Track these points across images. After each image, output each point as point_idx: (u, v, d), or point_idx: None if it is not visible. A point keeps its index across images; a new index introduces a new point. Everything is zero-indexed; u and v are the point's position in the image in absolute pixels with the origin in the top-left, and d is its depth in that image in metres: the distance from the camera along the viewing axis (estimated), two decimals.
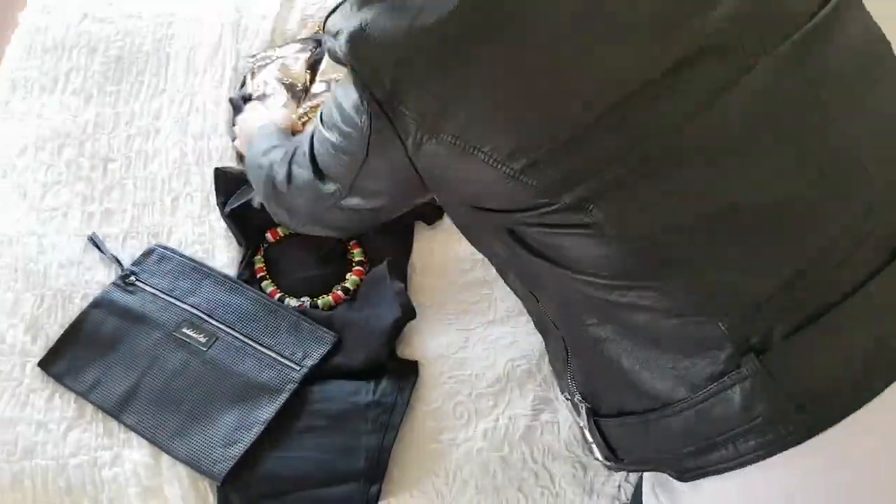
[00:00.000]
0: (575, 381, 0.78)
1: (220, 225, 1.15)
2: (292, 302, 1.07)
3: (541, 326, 0.83)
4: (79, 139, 1.27)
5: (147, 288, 1.08)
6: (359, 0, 0.66)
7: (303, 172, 0.84)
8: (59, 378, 1.01)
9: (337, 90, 0.74)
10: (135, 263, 1.11)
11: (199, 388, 0.98)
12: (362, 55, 0.65)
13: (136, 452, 0.95)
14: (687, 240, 0.62)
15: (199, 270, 1.09)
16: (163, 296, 1.06)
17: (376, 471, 0.92)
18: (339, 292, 1.08)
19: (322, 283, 1.09)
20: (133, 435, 0.96)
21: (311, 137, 0.82)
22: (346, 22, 0.66)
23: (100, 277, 1.11)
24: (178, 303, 1.05)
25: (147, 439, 0.95)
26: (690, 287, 0.63)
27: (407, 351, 1.03)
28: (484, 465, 0.93)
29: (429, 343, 1.03)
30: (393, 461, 0.93)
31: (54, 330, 1.05)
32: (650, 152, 0.60)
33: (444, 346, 1.02)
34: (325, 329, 1.03)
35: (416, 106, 0.64)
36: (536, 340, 1.01)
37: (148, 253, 1.12)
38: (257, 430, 0.94)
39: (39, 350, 1.04)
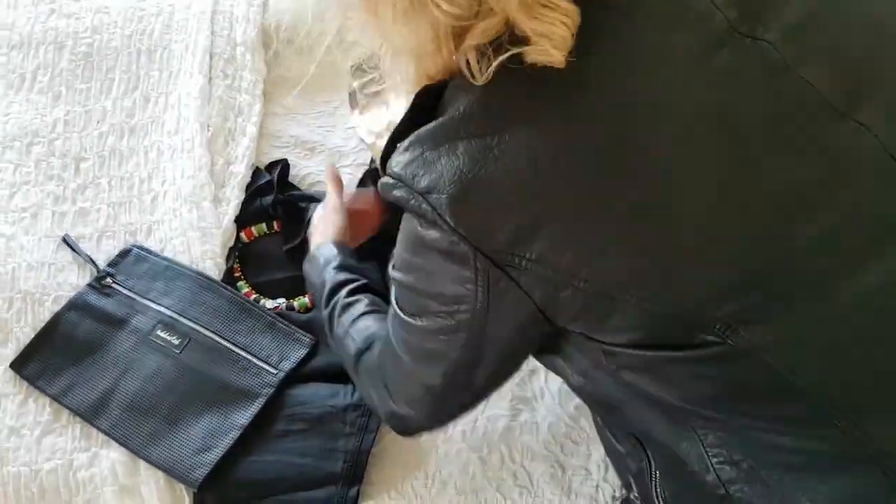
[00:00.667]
0: (663, 498, 0.73)
1: (197, 217, 1.13)
2: (268, 303, 1.07)
3: (612, 435, 0.78)
4: (48, 138, 1.25)
5: (122, 290, 1.06)
6: (431, 136, 0.57)
7: (395, 361, 0.72)
8: (31, 380, 0.99)
9: (410, 274, 0.64)
10: (111, 265, 1.09)
11: (174, 392, 0.97)
12: (470, 212, 0.56)
13: (113, 451, 0.94)
14: None
15: (174, 270, 1.08)
16: (138, 298, 1.05)
17: (355, 473, 0.92)
18: None
19: (299, 285, 1.09)
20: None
21: (391, 333, 0.71)
22: (428, 169, 0.56)
23: (72, 279, 1.09)
24: (152, 304, 1.04)
25: (122, 445, 0.94)
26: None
27: None
28: (463, 465, 0.94)
29: None
30: (371, 463, 0.94)
31: (25, 333, 1.04)
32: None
33: None
34: (301, 332, 1.03)
35: (546, 257, 0.56)
36: None
37: (124, 253, 1.11)
38: (233, 435, 0.94)
39: (10, 353, 1.02)
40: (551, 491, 0.94)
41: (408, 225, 0.61)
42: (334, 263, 0.91)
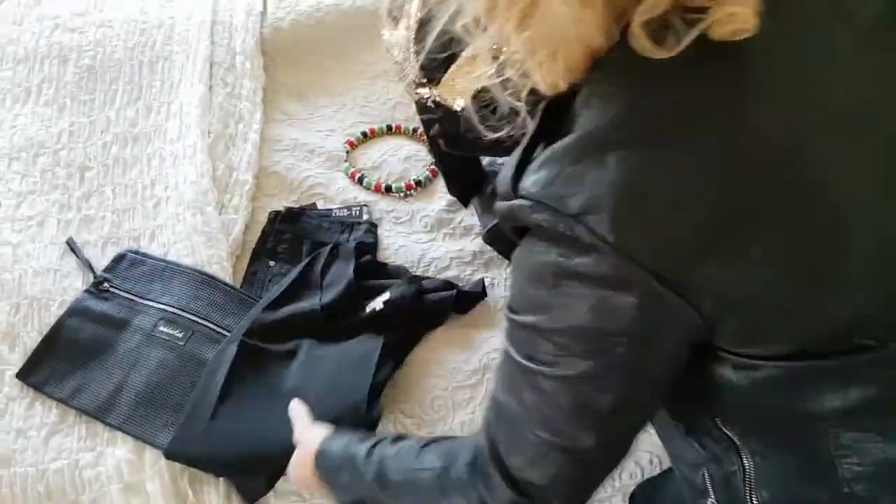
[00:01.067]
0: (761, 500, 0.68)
1: (201, 222, 1.15)
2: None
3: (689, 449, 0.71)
4: (53, 148, 1.28)
5: (121, 293, 1.08)
6: (569, 150, 0.51)
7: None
8: (38, 387, 1.01)
9: (543, 314, 0.56)
10: (106, 270, 1.12)
11: (181, 380, 0.99)
12: (637, 231, 0.50)
13: (119, 449, 0.95)
14: None
15: (171, 269, 1.10)
16: (137, 299, 1.07)
17: (374, 398, 0.94)
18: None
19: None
20: (118, 432, 0.97)
21: (505, 404, 0.61)
22: (577, 188, 0.50)
23: (77, 284, 1.11)
24: (152, 304, 1.06)
25: (133, 437, 0.96)
26: None
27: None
28: None
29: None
30: None
31: (32, 337, 1.05)
32: None
33: (422, 346, 1.04)
34: None
35: (717, 272, 0.51)
36: None
37: (119, 259, 1.13)
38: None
39: (18, 358, 1.04)
40: None
41: (539, 258, 0.54)
42: (335, 444, 0.79)
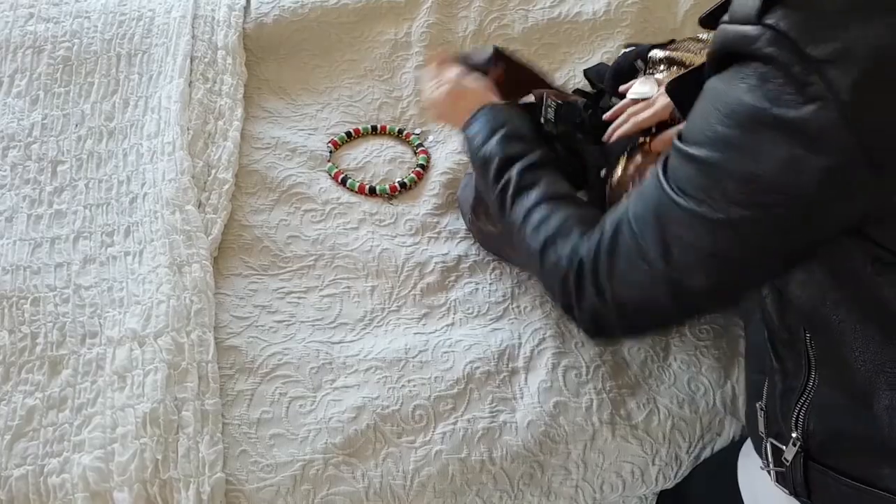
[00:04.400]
0: (805, 417, 0.70)
1: (180, 220, 1.11)
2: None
3: (762, 353, 0.73)
4: (25, 142, 1.25)
5: None
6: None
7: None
8: None
9: (724, 152, 0.55)
10: None
11: None
12: (879, 100, 0.48)
13: (86, 456, 0.92)
14: None
15: None
16: None
17: None
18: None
19: None
20: (86, 438, 0.93)
21: (638, 218, 0.63)
22: (834, 36, 0.48)
23: (49, 281, 1.08)
24: None
25: None
26: None
27: (366, 353, 1.02)
28: (442, 467, 0.93)
29: (388, 346, 1.03)
30: (348, 464, 0.92)
31: (2, 336, 1.02)
32: None
33: (403, 350, 1.02)
34: None
35: None
36: (495, 343, 1.02)
37: None
38: None
39: None
40: (531, 492, 0.93)
41: (743, 96, 0.52)
42: (501, 133, 0.83)
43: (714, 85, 0.56)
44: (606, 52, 1.40)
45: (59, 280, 1.08)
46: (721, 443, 0.98)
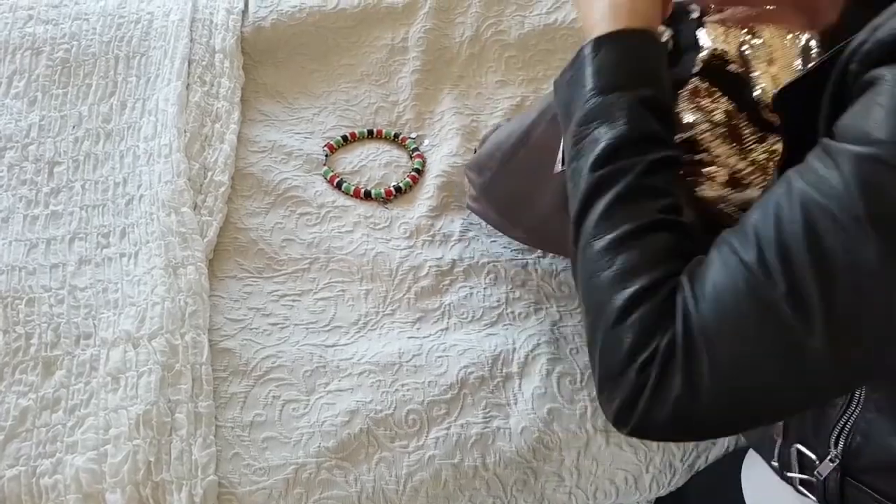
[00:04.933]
0: (847, 437, 0.64)
1: (176, 222, 1.10)
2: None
3: None
4: (22, 143, 1.24)
5: None
6: None
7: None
8: None
9: None
10: None
11: None
12: None
13: (79, 458, 0.92)
14: None
15: None
16: None
17: None
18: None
19: None
20: (78, 439, 0.93)
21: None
22: None
23: (44, 282, 1.08)
24: None
25: None
26: None
27: (359, 357, 1.02)
28: (435, 472, 0.93)
29: (382, 350, 1.03)
30: (341, 467, 0.92)
31: None
32: None
33: (397, 354, 1.02)
34: None
35: None
36: (489, 348, 1.02)
37: None
38: None
39: None
40: (524, 499, 0.93)
41: None
42: (645, 92, 0.58)
43: None
44: None
45: (55, 281, 1.08)
46: (716, 452, 0.98)
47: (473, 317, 1.07)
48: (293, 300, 1.09)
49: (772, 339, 0.49)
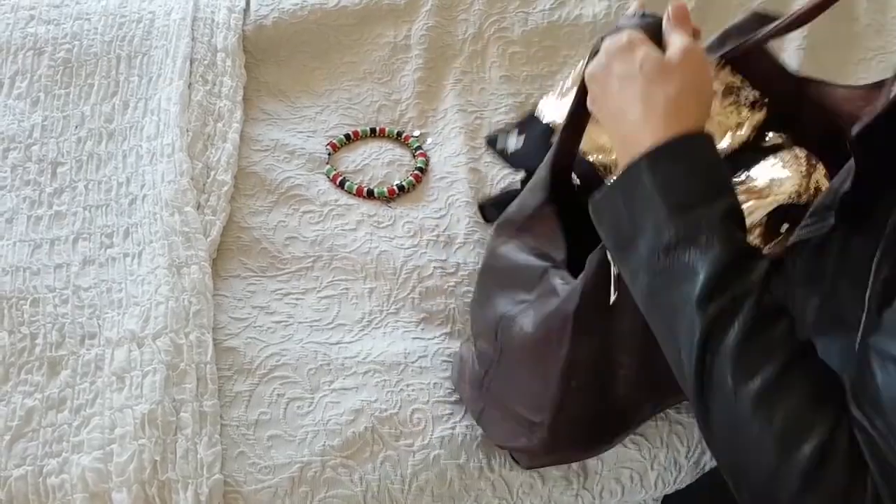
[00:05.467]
0: None
1: (179, 221, 1.11)
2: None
3: None
4: (25, 143, 1.25)
5: None
6: None
7: None
8: None
9: None
10: None
11: None
12: None
13: (85, 457, 0.92)
14: None
15: None
16: None
17: None
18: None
19: None
20: (84, 439, 0.94)
21: None
22: None
23: (48, 282, 1.08)
24: None
25: None
26: None
27: (364, 355, 1.02)
28: (441, 472, 0.93)
29: (387, 349, 1.03)
30: (345, 465, 0.92)
31: (1, 337, 1.02)
32: None
33: (402, 355, 1.02)
34: None
35: None
36: None
37: None
38: None
39: None
40: (530, 501, 0.93)
41: None
42: (726, 203, 0.51)
43: None
44: None
45: (59, 281, 1.08)
46: None
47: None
48: (297, 298, 1.09)
49: None
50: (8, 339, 1.02)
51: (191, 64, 1.34)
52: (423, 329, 1.06)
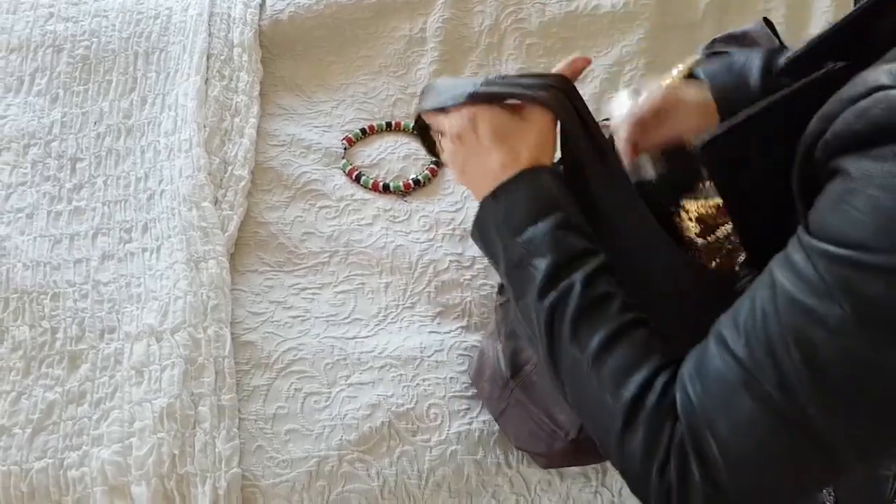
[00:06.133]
0: None
1: (197, 216, 1.12)
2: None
3: None
4: (45, 139, 1.26)
5: None
6: None
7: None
8: None
9: None
10: None
11: None
12: None
13: (104, 451, 0.93)
14: None
15: None
16: None
17: None
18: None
19: None
20: (104, 432, 0.95)
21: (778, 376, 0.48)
22: None
23: (69, 277, 1.09)
24: None
25: None
26: None
27: (380, 350, 1.02)
28: (458, 467, 0.92)
29: (403, 343, 1.03)
30: (362, 459, 0.92)
31: (21, 331, 1.03)
32: None
33: (418, 349, 1.02)
34: None
35: None
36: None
37: None
38: None
39: (6, 352, 1.01)
40: (548, 498, 0.93)
41: None
42: (555, 218, 0.62)
43: (879, 173, 0.44)
44: (626, 45, 1.39)
45: (79, 276, 1.09)
46: None
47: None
48: (313, 293, 1.09)
49: (770, 427, 0.49)
50: (29, 334, 1.03)
51: (207, 59, 1.34)
52: (439, 323, 1.06)
